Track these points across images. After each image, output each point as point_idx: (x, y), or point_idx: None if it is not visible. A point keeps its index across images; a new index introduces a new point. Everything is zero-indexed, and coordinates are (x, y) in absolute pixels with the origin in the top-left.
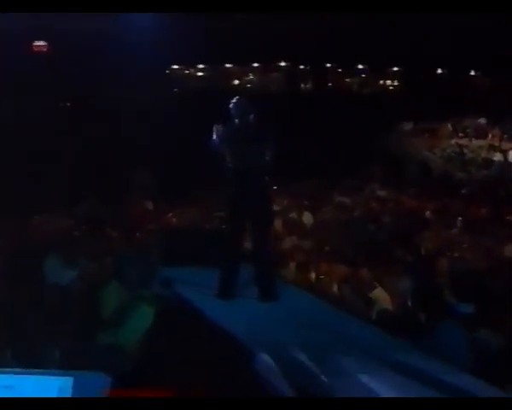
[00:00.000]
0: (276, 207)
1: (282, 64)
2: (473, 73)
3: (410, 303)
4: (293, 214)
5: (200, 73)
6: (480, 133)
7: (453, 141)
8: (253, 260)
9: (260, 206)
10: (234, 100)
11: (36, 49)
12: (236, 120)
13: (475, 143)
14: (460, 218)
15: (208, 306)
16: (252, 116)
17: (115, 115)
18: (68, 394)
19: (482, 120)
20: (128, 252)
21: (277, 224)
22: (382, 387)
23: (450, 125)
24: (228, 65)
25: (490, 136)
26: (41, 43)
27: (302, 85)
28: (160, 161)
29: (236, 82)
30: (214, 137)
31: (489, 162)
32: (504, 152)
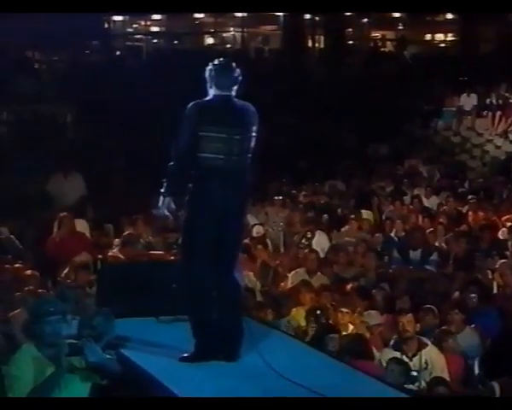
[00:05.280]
0: (272, 226)
1: (280, 14)
2: None
3: (476, 369)
4: (300, 236)
5: (155, 28)
6: None
7: None
8: (217, 299)
9: (235, 222)
10: (213, 63)
11: None
12: (214, 93)
13: None
14: None
15: (173, 375)
16: (235, 88)
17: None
18: None
19: None
20: (49, 300)
21: (276, 250)
22: None
23: None
24: (198, 15)
25: None
26: None
27: (310, 44)
28: (97, 162)
29: (211, 41)
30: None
31: None
32: None
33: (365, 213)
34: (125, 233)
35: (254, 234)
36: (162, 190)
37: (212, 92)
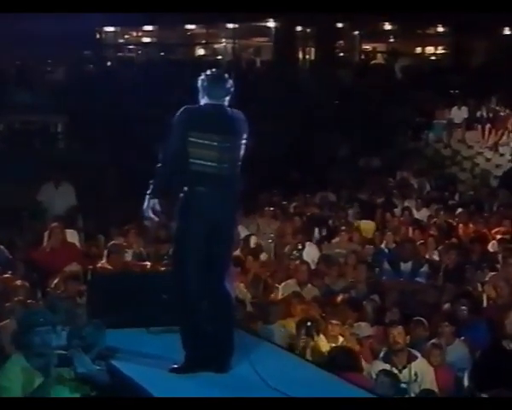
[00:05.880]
0: (263, 237)
1: (270, 24)
2: None
3: (466, 381)
4: (290, 247)
5: (146, 39)
6: None
7: None
8: (208, 310)
9: (227, 231)
10: (205, 74)
11: None
12: (206, 102)
13: None
14: None
15: (163, 387)
16: (227, 99)
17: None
18: None
19: None
20: (38, 310)
21: (267, 262)
22: None
23: None
24: (189, 26)
25: None
26: None
27: (301, 56)
28: (88, 172)
29: (201, 52)
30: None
31: None
32: None
33: (366, 223)
34: (110, 243)
35: (252, 245)
36: (148, 192)
37: (203, 102)
